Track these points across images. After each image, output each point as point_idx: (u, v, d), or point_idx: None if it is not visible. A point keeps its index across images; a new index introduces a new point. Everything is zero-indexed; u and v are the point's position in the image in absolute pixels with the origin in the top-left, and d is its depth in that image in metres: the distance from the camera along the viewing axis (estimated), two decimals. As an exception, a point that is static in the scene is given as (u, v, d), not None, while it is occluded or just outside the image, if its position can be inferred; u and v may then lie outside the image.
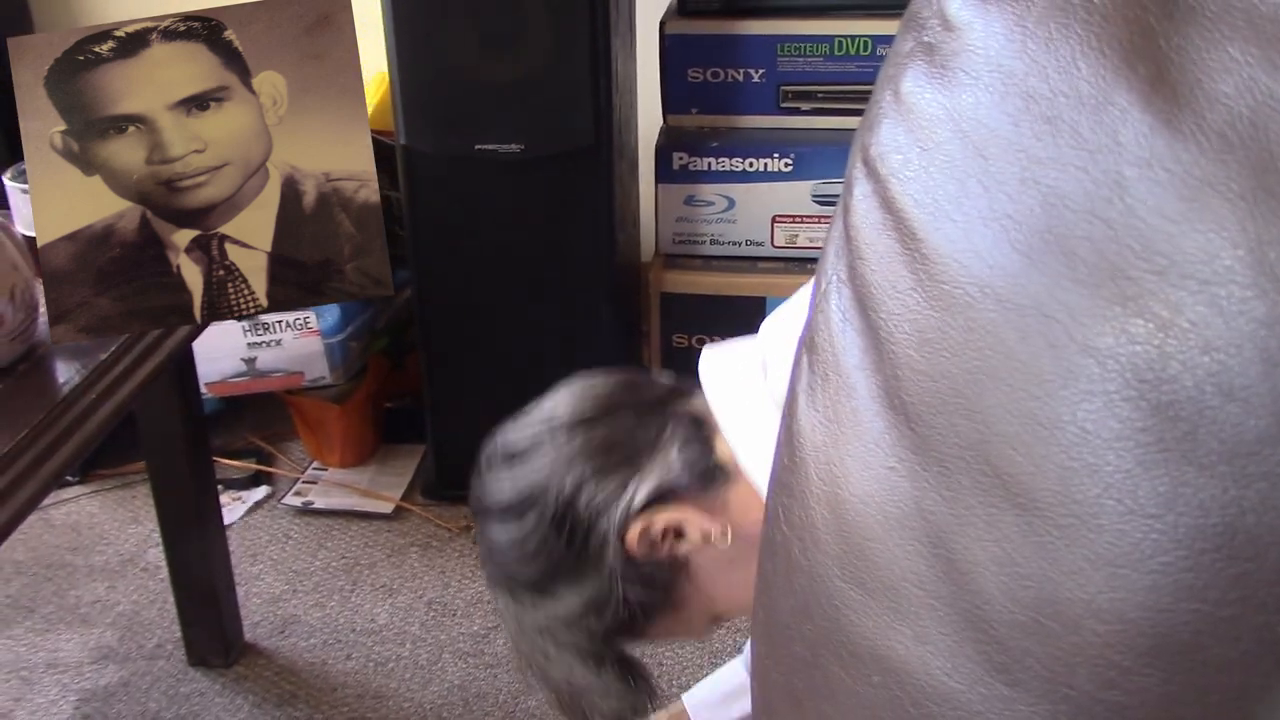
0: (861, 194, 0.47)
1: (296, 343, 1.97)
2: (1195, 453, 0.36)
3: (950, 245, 0.42)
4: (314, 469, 2.14)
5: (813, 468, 0.50)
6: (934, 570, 0.43)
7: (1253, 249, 0.34)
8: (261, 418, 2.20)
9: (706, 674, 1.72)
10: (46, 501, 2.02)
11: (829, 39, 1.88)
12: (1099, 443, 0.38)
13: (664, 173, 1.94)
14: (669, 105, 1.97)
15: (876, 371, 0.46)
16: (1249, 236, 0.34)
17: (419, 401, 2.04)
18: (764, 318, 1.94)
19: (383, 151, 2.10)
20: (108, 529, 2.03)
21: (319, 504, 2.07)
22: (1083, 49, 0.38)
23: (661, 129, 1.99)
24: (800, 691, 0.52)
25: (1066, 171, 0.38)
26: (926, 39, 0.44)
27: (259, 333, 1.96)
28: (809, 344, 0.52)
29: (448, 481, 2.06)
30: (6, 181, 1.32)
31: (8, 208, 1.33)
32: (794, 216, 1.94)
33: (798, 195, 1.92)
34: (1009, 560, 0.41)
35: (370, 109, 2.11)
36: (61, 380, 1.21)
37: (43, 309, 1.23)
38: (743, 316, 1.99)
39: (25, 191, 1.31)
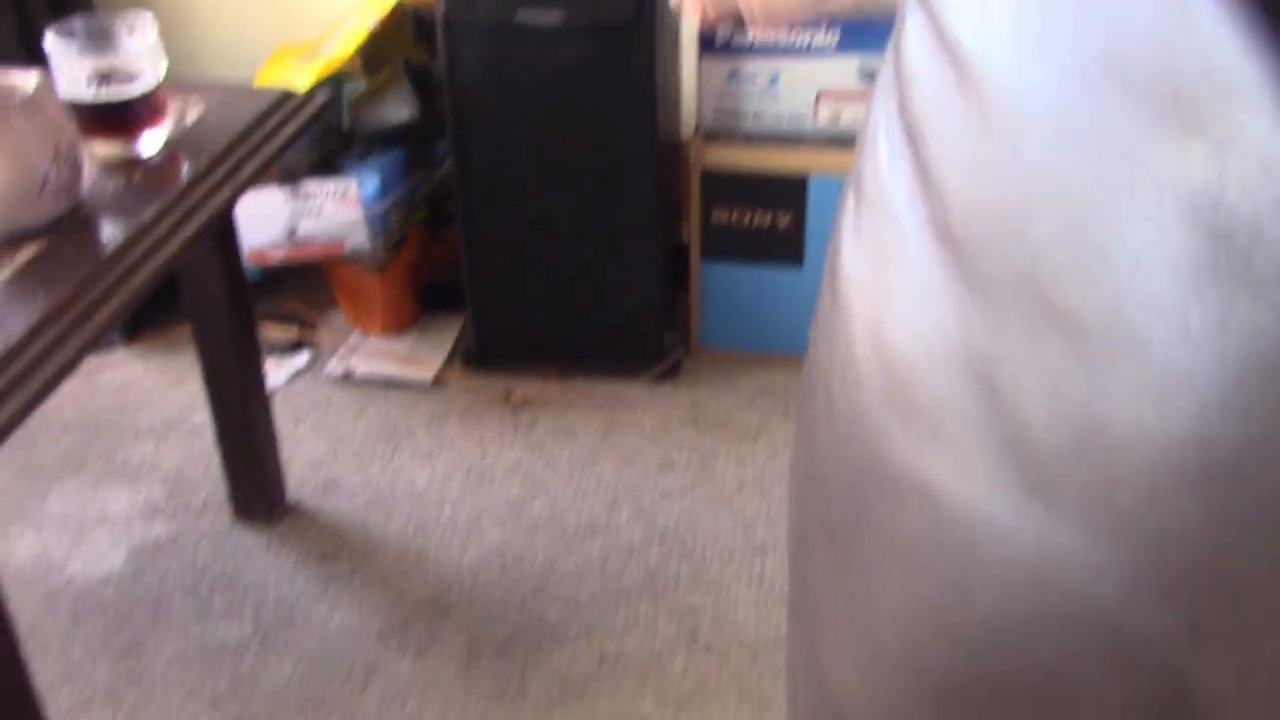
0: (913, 27, 0.47)
1: (337, 212, 1.99)
2: (1249, 276, 0.36)
3: (1004, 73, 0.41)
4: (355, 337, 2.18)
5: (856, 304, 0.50)
6: (977, 399, 0.43)
7: None
8: (302, 287, 2.23)
9: (740, 543, 1.76)
10: (92, 364, 2.07)
11: (878, -92, 1.83)
12: (1151, 267, 0.38)
13: (707, 47, 1.92)
14: (713, -24, 1.94)
15: (924, 205, 0.45)
16: None
17: (458, 273, 2.06)
18: (806, 197, 1.94)
19: (422, 22, 2.09)
20: (153, 391, 2.08)
21: (360, 371, 2.10)
22: None
23: (705, 0, 1.96)
24: (836, 522, 0.54)
25: None
26: None
27: (301, 200, 1.98)
28: (855, 184, 0.52)
29: (488, 352, 2.09)
30: (50, 39, 1.33)
31: (48, 68, 1.34)
32: (839, 93, 1.92)
33: (843, 71, 1.89)
34: (1053, 386, 0.41)
35: (411, -24, 2.09)
36: (105, 239, 1.23)
37: (87, 165, 1.24)
38: (784, 195, 1.98)
39: (67, 50, 1.31)
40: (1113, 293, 0.39)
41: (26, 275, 1.15)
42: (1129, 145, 0.38)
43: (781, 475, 1.87)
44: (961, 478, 0.45)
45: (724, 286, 2.06)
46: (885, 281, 0.48)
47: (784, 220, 1.98)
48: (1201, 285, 0.37)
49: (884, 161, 0.48)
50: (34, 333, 1.09)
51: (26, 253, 1.18)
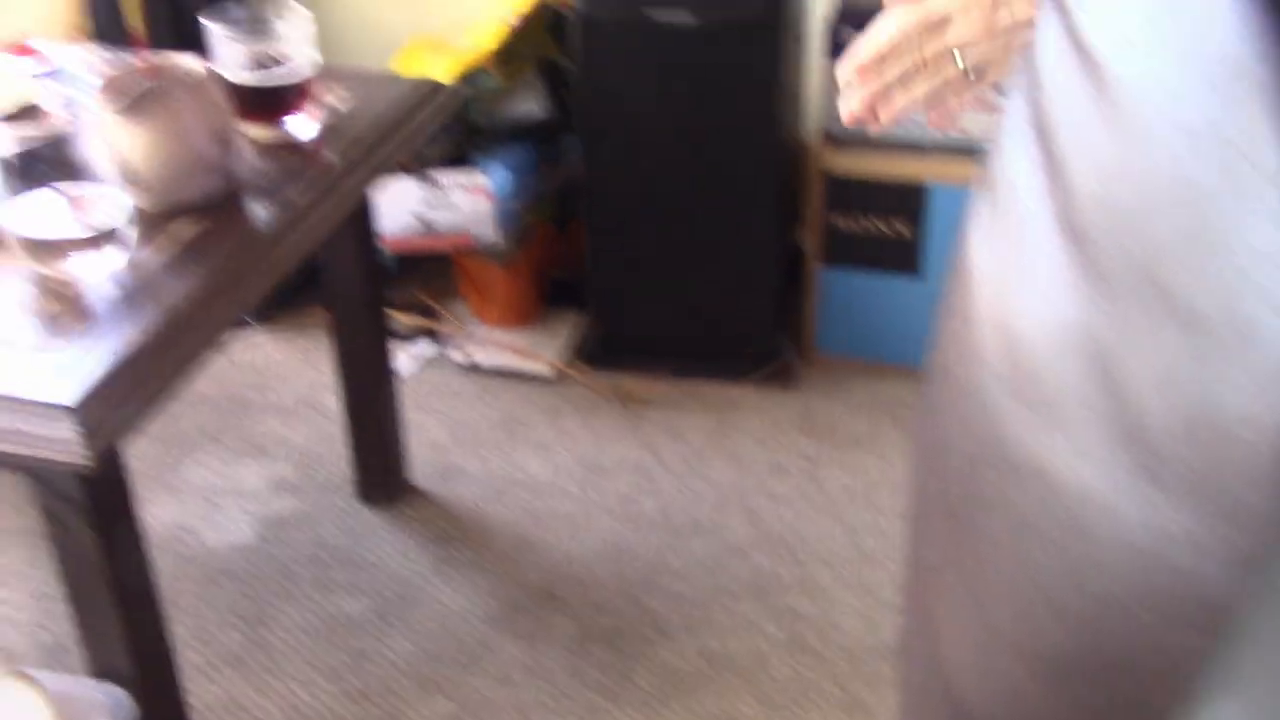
0: (1047, 30, 0.49)
1: (467, 203, 2.04)
2: None
3: (1133, 75, 0.43)
4: (479, 328, 2.23)
5: (985, 293, 0.52)
6: (1096, 385, 0.46)
7: None
8: (432, 276, 2.29)
9: (847, 550, 1.76)
10: (230, 342, 2.15)
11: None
12: (1267, 262, 0.40)
13: (834, 50, 1.93)
14: (844, -18, 1.96)
15: (1052, 199, 0.48)
16: None
17: (581, 269, 2.10)
18: (927, 206, 1.94)
19: (558, 20, 2.14)
20: (286, 371, 2.16)
21: (483, 362, 2.15)
22: None
23: (835, 5, 1.98)
24: (955, 501, 0.56)
25: None
26: None
27: (433, 190, 2.04)
28: (988, 180, 0.54)
29: (605, 348, 2.13)
30: (208, 25, 1.39)
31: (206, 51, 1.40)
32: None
33: (970, 80, 1.89)
34: (1169, 374, 0.43)
35: (547, -23, 2.14)
36: (256, 218, 1.29)
37: (245, 149, 1.31)
38: (905, 203, 1.98)
39: (226, 34, 1.38)
40: (1229, 287, 0.41)
41: (185, 250, 1.22)
42: (1251, 146, 0.39)
43: (891, 485, 1.88)
44: (1077, 460, 0.47)
45: (841, 293, 2.07)
46: (1012, 272, 0.50)
47: (904, 228, 1.99)
48: None
49: (1016, 157, 0.51)
50: (190, 302, 1.15)
51: (183, 227, 1.25)
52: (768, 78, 1.85)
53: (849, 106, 0.82)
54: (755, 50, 1.83)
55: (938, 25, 0.78)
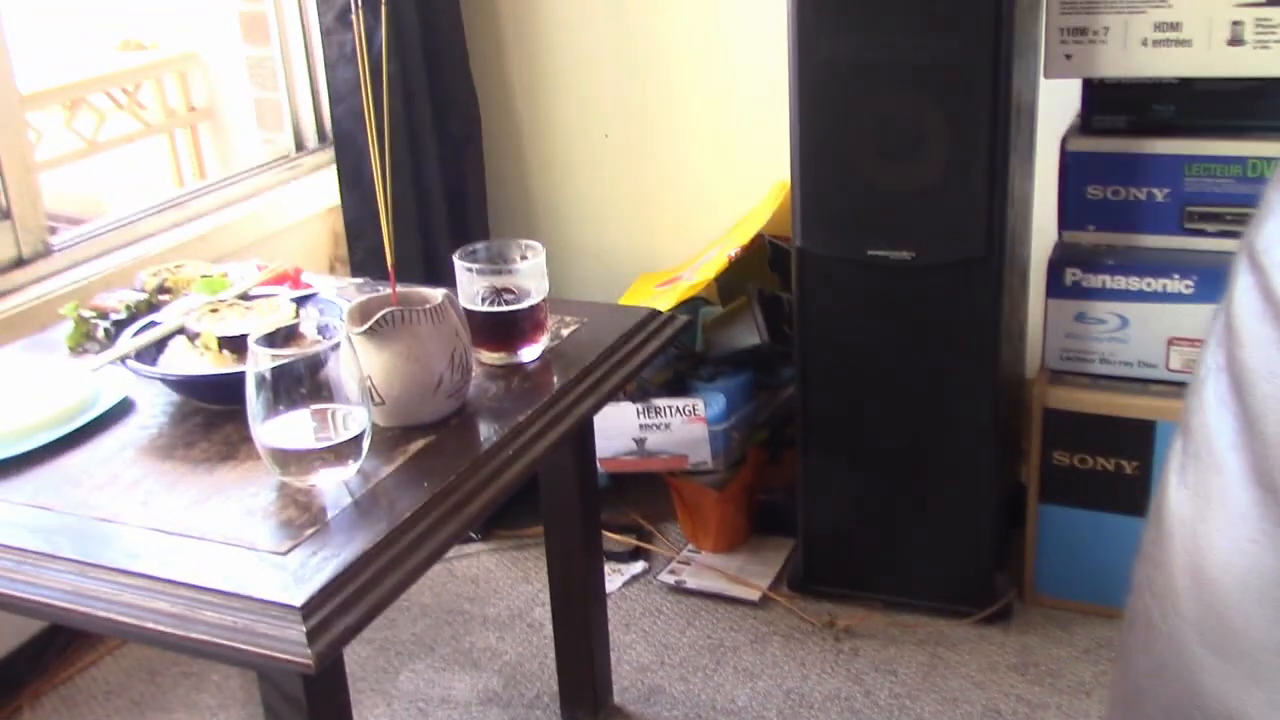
0: (1244, 286, 0.51)
1: (684, 427, 2.09)
2: None
3: None
4: (688, 551, 2.25)
5: (1179, 540, 0.53)
6: None
7: None
8: (644, 497, 2.33)
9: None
10: (451, 554, 2.23)
11: (1242, 160, 1.82)
12: None
13: (1055, 288, 1.93)
14: (1065, 220, 1.97)
15: (1248, 451, 0.49)
16: None
17: (792, 495, 2.11)
18: (1152, 443, 1.88)
19: (777, 253, 2.22)
20: (502, 584, 2.21)
21: (690, 584, 2.16)
22: None
23: (1056, 244, 1.99)
24: None
25: None
26: None
27: (651, 415, 2.10)
28: (1184, 427, 0.55)
29: (815, 576, 2.11)
30: (456, 260, 1.51)
31: (454, 284, 1.52)
32: (1193, 340, 1.88)
33: (1198, 318, 1.86)
34: None
35: (770, 214, 2.23)
36: (484, 436, 1.36)
37: (475, 371, 1.39)
38: (1129, 439, 1.93)
39: (468, 269, 1.49)
40: None
41: (415, 464, 1.29)
42: None
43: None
44: (1276, 715, 0.47)
45: (1062, 531, 2.01)
46: (1207, 520, 0.51)
47: (1129, 466, 1.93)
48: None
49: (1211, 408, 0.52)
50: (417, 515, 1.22)
51: (417, 444, 1.33)
52: (988, 314, 1.86)
53: None
54: (975, 286, 1.85)
55: None
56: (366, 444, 1.25)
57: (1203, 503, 0.52)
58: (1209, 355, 0.54)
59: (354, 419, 1.23)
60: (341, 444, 1.22)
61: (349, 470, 1.24)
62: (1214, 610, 0.50)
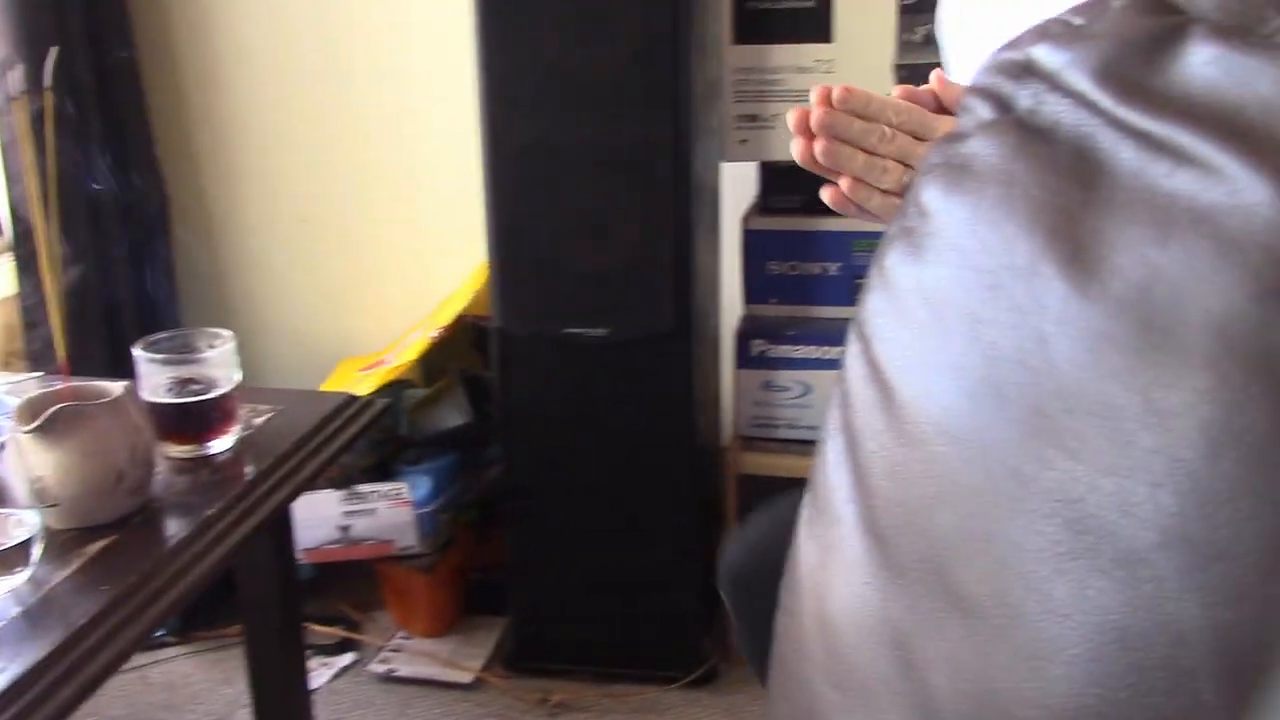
0: (853, 353, 0.56)
1: (389, 512, 2.07)
2: (1098, 561, 0.43)
3: (913, 392, 0.50)
4: (400, 637, 2.21)
5: (807, 587, 0.57)
6: (897, 670, 0.50)
7: (1140, 390, 0.42)
8: (353, 585, 2.28)
9: None
10: (143, 659, 2.11)
11: (902, 236, 1.98)
12: (1025, 553, 0.45)
13: (743, 358, 2.03)
14: (749, 295, 2.08)
15: (858, 502, 0.54)
16: (1138, 380, 0.42)
17: (503, 573, 2.11)
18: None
19: (480, 334, 2.24)
20: (200, 689, 2.11)
21: (402, 671, 2.12)
22: (1018, 230, 0.46)
23: (742, 316, 2.09)
24: None
25: (1002, 329, 0.46)
26: (906, 224, 0.53)
27: (355, 501, 2.06)
28: (811, 484, 0.59)
29: (528, 653, 2.11)
30: (136, 352, 1.45)
31: (134, 377, 1.45)
32: (870, 403, 2.00)
33: (873, 383, 1.99)
34: (954, 658, 0.48)
35: (472, 295, 2.25)
36: (170, 533, 1.30)
37: (159, 467, 1.34)
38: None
39: (152, 360, 1.44)
40: (996, 574, 0.47)
41: (93, 566, 1.22)
42: (1005, 451, 0.46)
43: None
44: None
45: (763, 591, 2.09)
46: (828, 568, 0.56)
47: (822, 526, 2.03)
48: (1062, 568, 0.44)
49: (831, 465, 0.57)
50: (95, 621, 1.15)
51: (97, 545, 1.26)
52: (681, 386, 1.94)
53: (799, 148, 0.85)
54: (668, 360, 1.92)
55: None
56: (38, 550, 1.17)
57: (825, 552, 0.56)
58: (830, 417, 0.59)
59: (21, 523, 1.16)
60: (7, 550, 1.15)
61: (18, 579, 1.17)
62: (836, 651, 0.54)
